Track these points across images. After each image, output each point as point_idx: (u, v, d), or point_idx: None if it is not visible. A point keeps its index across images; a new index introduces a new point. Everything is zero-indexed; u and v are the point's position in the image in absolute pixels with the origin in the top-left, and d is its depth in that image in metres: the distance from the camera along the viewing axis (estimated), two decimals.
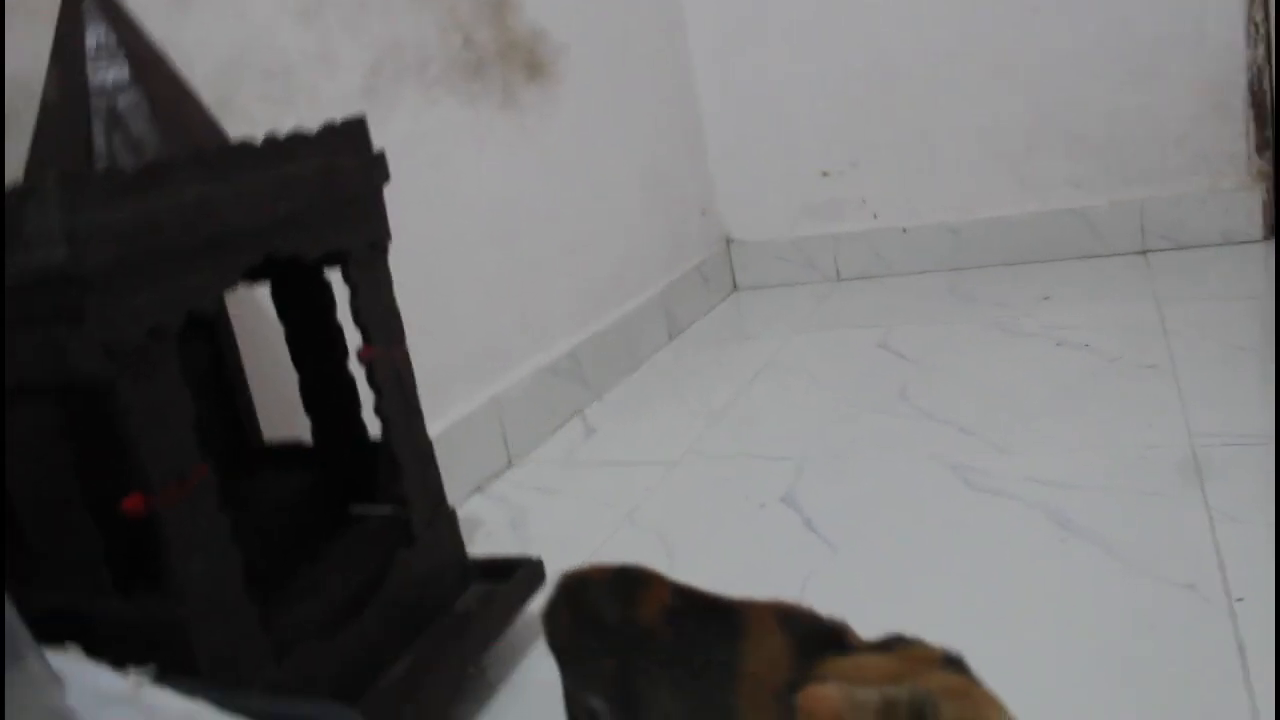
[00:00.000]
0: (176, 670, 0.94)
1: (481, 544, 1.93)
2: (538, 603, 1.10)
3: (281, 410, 1.59)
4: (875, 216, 3.44)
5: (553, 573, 1.09)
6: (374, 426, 1.46)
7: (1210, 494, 1.72)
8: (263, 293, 1.63)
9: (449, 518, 1.51)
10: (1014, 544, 1.67)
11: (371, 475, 1.51)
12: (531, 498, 2.14)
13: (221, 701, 0.93)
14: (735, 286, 3.65)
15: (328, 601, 1.32)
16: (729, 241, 3.60)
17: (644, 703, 0.97)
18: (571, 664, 1.06)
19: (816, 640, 0.89)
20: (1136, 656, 1.34)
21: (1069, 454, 1.94)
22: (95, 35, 1.21)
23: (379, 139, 1.44)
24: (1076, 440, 2.01)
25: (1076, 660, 1.34)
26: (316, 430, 1.54)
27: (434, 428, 1.49)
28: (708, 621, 0.95)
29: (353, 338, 1.45)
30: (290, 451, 1.57)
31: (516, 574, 1.52)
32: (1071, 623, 1.42)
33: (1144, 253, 3.19)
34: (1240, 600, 1.42)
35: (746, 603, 0.96)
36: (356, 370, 1.47)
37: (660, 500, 2.04)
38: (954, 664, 0.79)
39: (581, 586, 1.06)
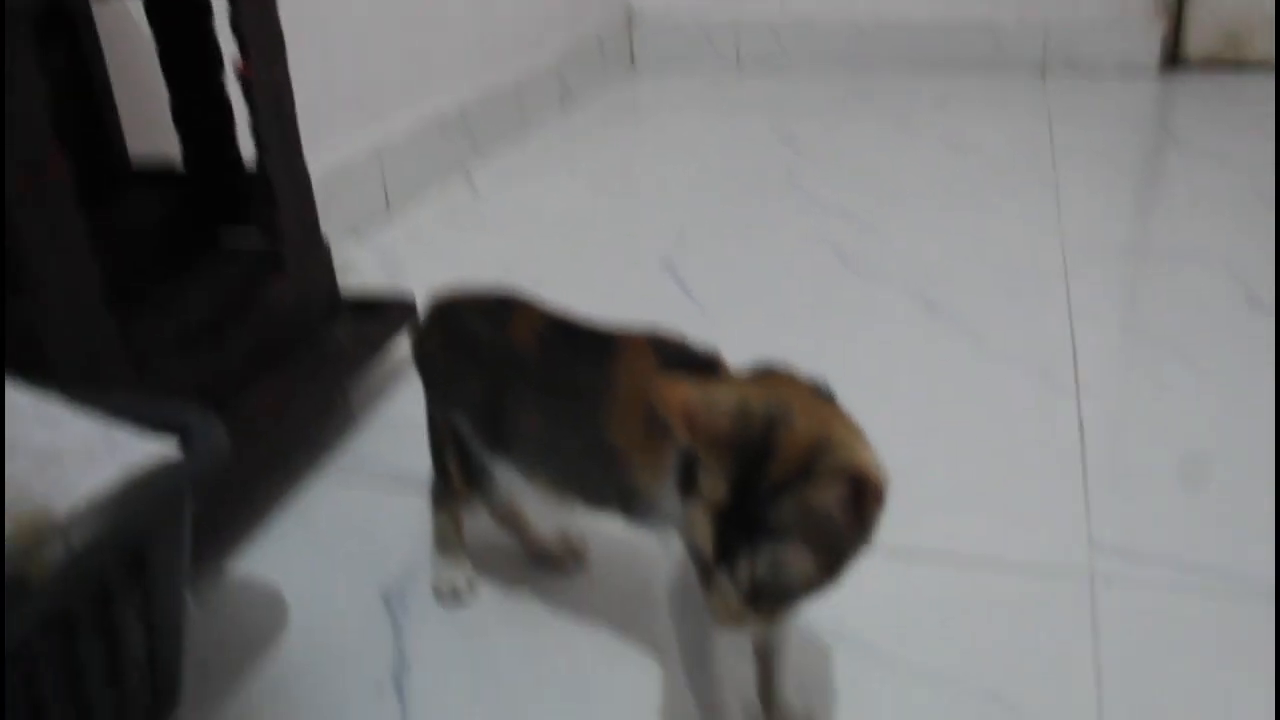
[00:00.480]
0: (32, 375, 0.92)
1: (355, 286, 1.90)
2: (407, 342, 1.09)
3: (149, 129, 1.52)
4: (782, 4, 3.37)
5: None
6: (248, 151, 1.41)
7: (1073, 294, 1.78)
8: None
9: (322, 250, 1.48)
10: (883, 322, 1.72)
11: (243, 201, 1.46)
12: (408, 246, 2.11)
13: (81, 399, 0.92)
14: (634, 65, 3.56)
15: (191, 319, 1.29)
16: (630, 15, 3.49)
17: (510, 423, 0.98)
18: (438, 384, 1.06)
19: (688, 367, 0.89)
20: (987, 431, 1.40)
21: (946, 246, 1.98)
22: None
23: None
24: (955, 234, 2.05)
25: (932, 431, 1.40)
26: (187, 151, 1.47)
27: (312, 169, 1.44)
28: (580, 345, 0.96)
29: (230, 55, 1.38)
30: (158, 173, 1.50)
31: (388, 309, 1.50)
32: (931, 396, 1.48)
33: (1042, 70, 3.21)
34: (1086, 388, 1.49)
35: (619, 329, 0.96)
36: (233, 90, 1.40)
37: (540, 259, 2.03)
38: (821, 393, 0.81)
39: (454, 307, 1.05)
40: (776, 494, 0.70)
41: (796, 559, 0.71)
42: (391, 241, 2.14)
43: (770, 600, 0.73)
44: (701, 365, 0.90)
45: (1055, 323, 1.69)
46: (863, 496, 0.71)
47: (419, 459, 1.17)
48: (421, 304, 1.09)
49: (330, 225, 1.54)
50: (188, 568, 0.93)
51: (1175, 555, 1.15)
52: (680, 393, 0.73)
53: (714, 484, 0.73)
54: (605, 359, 0.93)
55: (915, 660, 1.02)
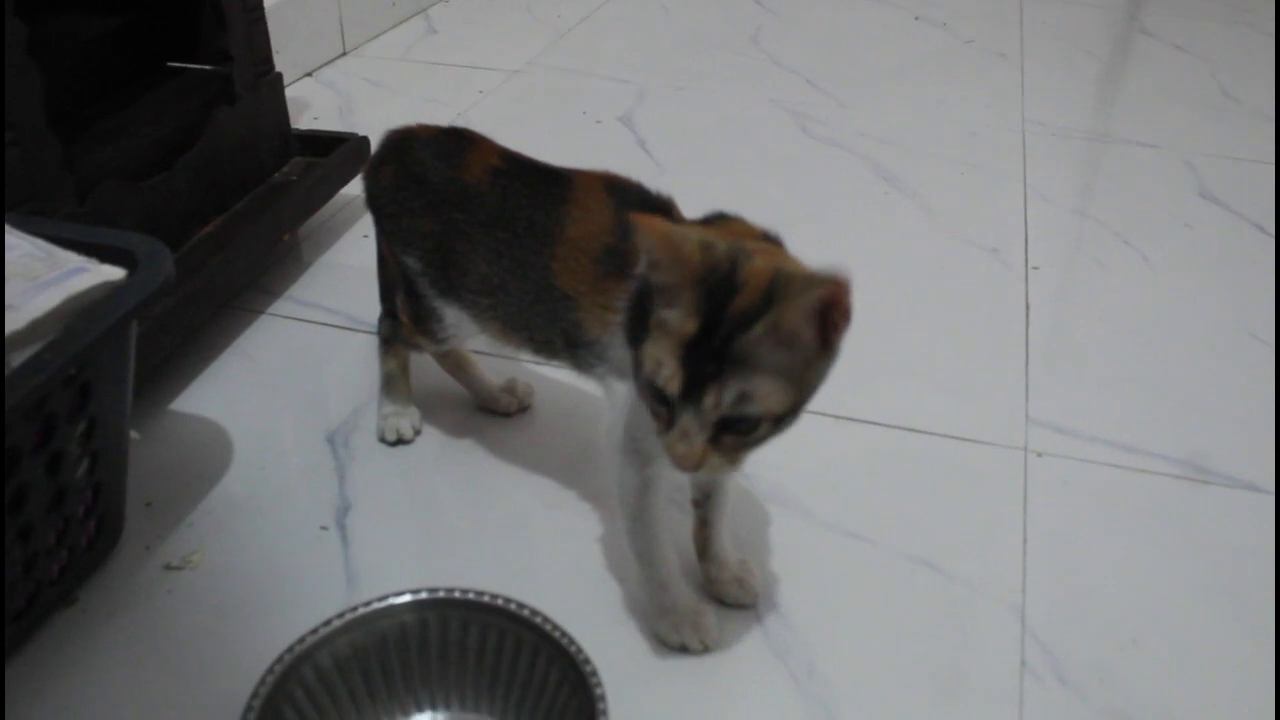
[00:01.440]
0: None
1: (308, 127, 1.86)
2: (360, 185, 1.08)
3: None
4: None
5: None
6: None
7: (1029, 173, 1.78)
8: None
9: (273, 82, 1.44)
10: (839, 190, 1.71)
11: (193, 27, 1.41)
12: (363, 88, 2.05)
13: (24, 228, 0.90)
14: None
15: (136, 147, 1.26)
16: None
17: (461, 263, 0.97)
18: (389, 221, 1.03)
19: (642, 210, 0.87)
20: (934, 304, 1.42)
21: (907, 118, 1.97)
22: None
23: None
24: (917, 108, 2.03)
25: (879, 301, 1.40)
26: None
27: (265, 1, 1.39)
28: (534, 186, 0.94)
29: None
30: None
31: (341, 148, 1.47)
32: (881, 267, 1.48)
33: None
34: (1036, 268, 1.50)
35: (575, 171, 0.95)
36: None
37: (496, 104, 1.99)
38: (772, 240, 0.80)
39: (407, 143, 1.02)
40: (744, 324, 0.69)
41: (765, 387, 0.71)
42: (347, 81, 2.08)
43: (735, 435, 0.73)
44: (656, 209, 0.89)
45: (1010, 202, 1.69)
46: (831, 310, 0.70)
47: (368, 303, 1.16)
48: (375, 144, 1.07)
49: (284, 64, 1.50)
50: (131, 398, 0.93)
51: (1108, 434, 1.19)
52: (656, 222, 0.72)
53: (682, 316, 0.71)
54: (559, 199, 0.92)
55: (849, 523, 1.05)
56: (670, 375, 0.72)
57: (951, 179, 1.76)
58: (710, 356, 0.70)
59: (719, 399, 0.71)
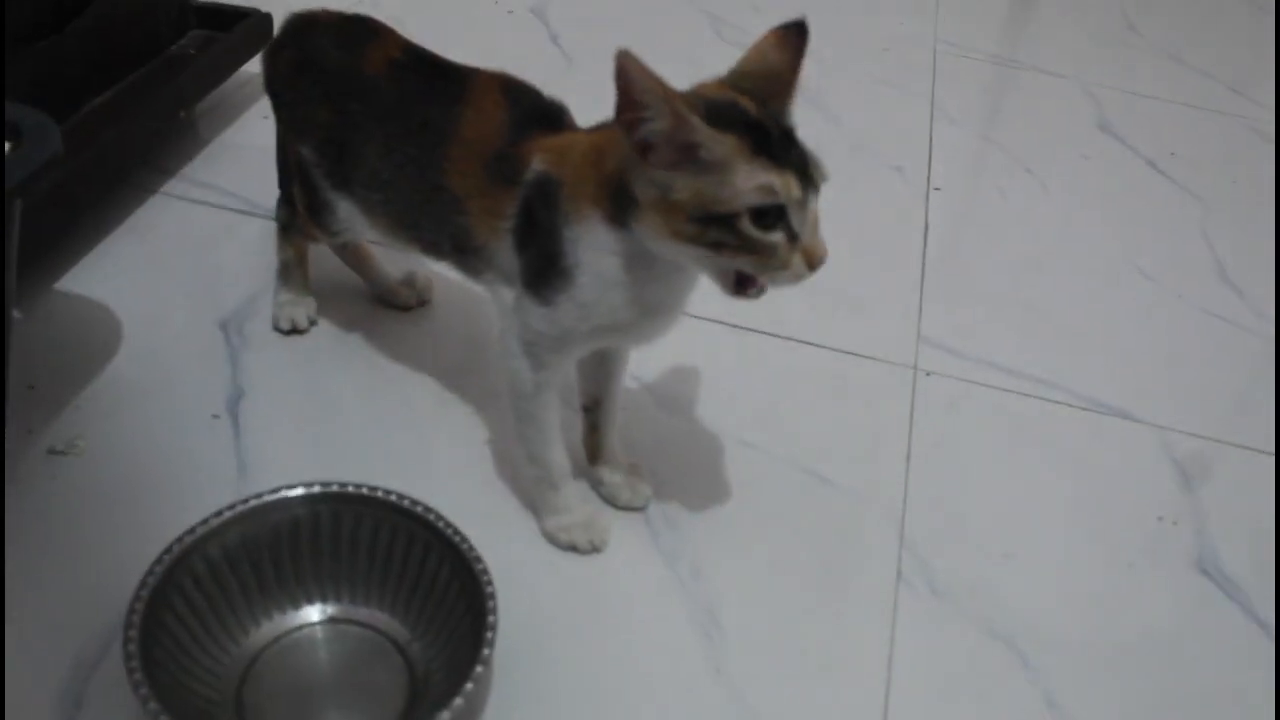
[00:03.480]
0: None
1: None
2: (260, 63, 1.04)
3: None
4: None
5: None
6: None
7: (937, 93, 1.80)
8: None
9: None
10: None
11: None
12: None
13: None
14: None
15: (24, 8, 1.19)
16: None
17: (354, 156, 0.94)
18: (287, 108, 1.00)
19: (535, 116, 0.88)
20: (835, 218, 1.42)
21: (820, 28, 1.92)
22: None
23: None
24: (831, 17, 2.02)
25: None
26: None
27: None
28: (432, 81, 0.92)
29: None
30: None
31: (242, 24, 1.41)
32: None
33: None
34: (937, 189, 1.53)
35: (474, 70, 0.93)
36: None
37: None
38: None
39: (309, 27, 0.98)
40: (775, 113, 0.76)
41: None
42: None
43: (811, 175, 0.75)
44: (549, 116, 0.89)
45: (917, 121, 1.71)
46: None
47: (265, 187, 1.14)
48: (278, 21, 1.03)
49: None
50: (13, 279, 0.90)
51: (995, 358, 1.22)
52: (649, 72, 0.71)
53: (729, 139, 0.72)
54: (455, 98, 0.90)
55: (740, 431, 1.07)
56: (784, 183, 0.72)
57: (861, 93, 1.77)
58: (786, 150, 0.74)
59: (819, 168, 0.75)
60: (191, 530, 0.79)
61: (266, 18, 1.43)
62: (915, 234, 1.43)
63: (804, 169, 0.74)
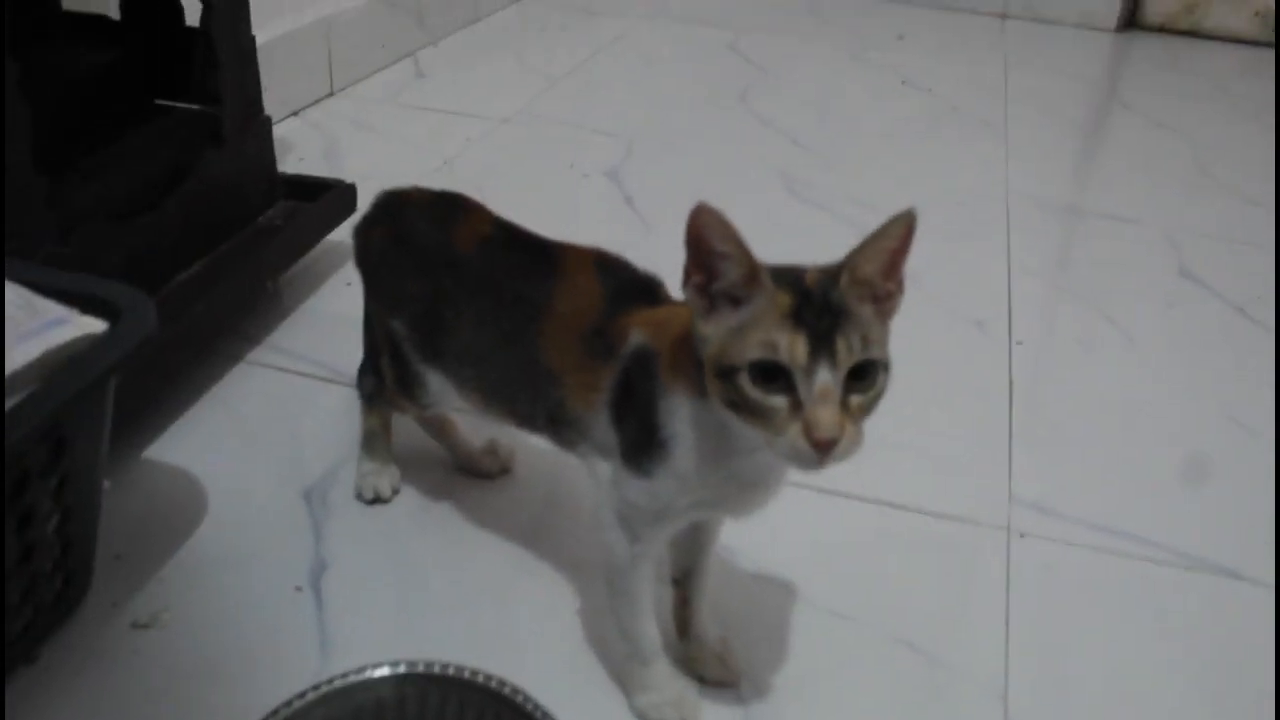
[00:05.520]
0: None
1: (293, 169, 1.83)
2: (345, 230, 1.06)
3: None
4: None
5: (365, 202, 1.04)
6: (191, 13, 1.34)
7: (1013, 245, 1.79)
8: None
9: (263, 125, 1.42)
10: (826, 254, 1.70)
11: (183, 65, 1.40)
12: (350, 131, 2.04)
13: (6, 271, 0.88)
14: None
15: (122, 186, 1.24)
16: None
17: (447, 331, 0.95)
18: (378, 283, 1.02)
19: (630, 290, 0.88)
20: (918, 375, 1.39)
21: (893, 184, 1.98)
22: None
23: None
24: (903, 173, 2.05)
25: None
26: (126, 4, 1.40)
27: (256, 36, 1.37)
28: (524, 257, 0.93)
29: None
30: (93, 23, 1.42)
31: (327, 195, 1.46)
32: None
33: (1003, 16, 3.19)
34: (1020, 344, 1.51)
35: (565, 245, 0.94)
36: None
37: (483, 153, 1.98)
38: None
39: (401, 205, 1.01)
40: (829, 283, 0.73)
41: (873, 329, 0.72)
42: (333, 123, 2.07)
43: (859, 394, 0.72)
44: (644, 287, 0.89)
45: (995, 273, 1.70)
46: (900, 247, 0.75)
47: (348, 355, 1.15)
48: (362, 191, 1.05)
49: (270, 102, 1.48)
50: (107, 452, 0.90)
51: (1091, 517, 1.18)
52: (716, 212, 0.73)
53: (769, 294, 0.72)
54: (548, 273, 0.91)
55: (832, 601, 1.04)
56: (790, 342, 0.70)
57: (937, 248, 1.76)
58: (819, 316, 0.71)
59: (850, 344, 0.70)
60: (275, 711, 0.77)
61: (351, 188, 1.47)
62: (1000, 389, 1.40)
63: (826, 337, 0.70)
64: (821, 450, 0.70)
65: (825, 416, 0.69)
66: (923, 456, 1.25)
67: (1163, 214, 1.96)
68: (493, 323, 0.92)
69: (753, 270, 0.72)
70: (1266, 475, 1.28)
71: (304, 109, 2.11)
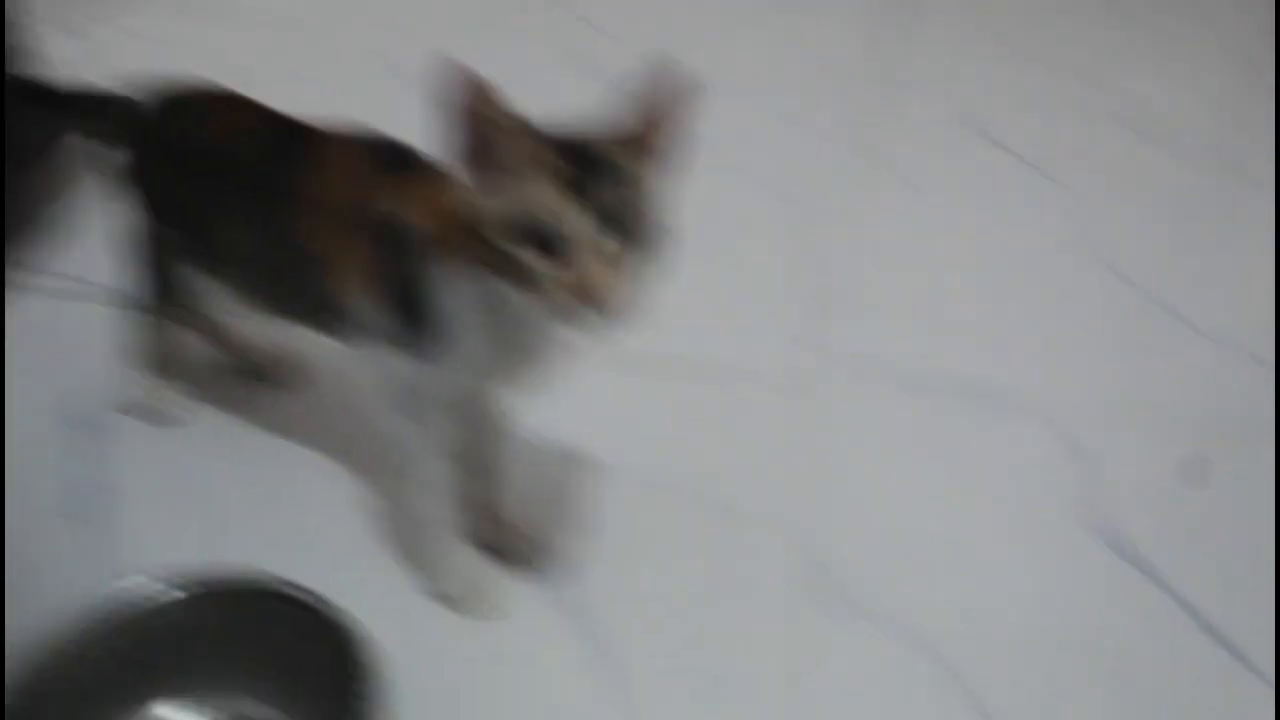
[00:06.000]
0: None
1: None
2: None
3: None
4: None
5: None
6: None
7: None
8: None
9: None
10: None
11: None
12: (125, 44, 1.88)
13: None
14: None
15: None
16: None
17: (207, 228, 0.90)
18: (135, 183, 0.94)
19: (388, 162, 0.83)
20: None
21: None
22: None
23: None
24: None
25: None
26: None
27: None
28: (274, 139, 0.87)
29: None
30: None
31: (83, 101, 1.33)
32: None
33: None
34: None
35: (315, 124, 0.88)
36: None
37: (263, 57, 1.85)
38: None
39: (155, 99, 0.94)
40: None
41: (630, 166, 0.70)
42: (106, 35, 1.91)
43: (627, 241, 0.69)
44: (401, 157, 0.84)
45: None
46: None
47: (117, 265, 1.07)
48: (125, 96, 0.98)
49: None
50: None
51: (869, 352, 1.21)
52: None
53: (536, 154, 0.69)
54: (299, 152, 0.86)
55: (632, 467, 1.04)
56: (549, 203, 0.68)
57: None
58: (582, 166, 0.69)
59: (602, 193, 0.68)
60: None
61: (112, 92, 1.36)
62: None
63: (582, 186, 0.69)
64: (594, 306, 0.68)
65: (592, 265, 0.68)
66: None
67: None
68: (252, 214, 0.87)
69: (505, 116, 0.69)
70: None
71: (74, 23, 1.94)
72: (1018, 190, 1.63)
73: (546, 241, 0.68)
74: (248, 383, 1.12)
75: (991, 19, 2.25)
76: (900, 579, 0.96)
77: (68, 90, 1.34)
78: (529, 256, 0.69)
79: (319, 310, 0.87)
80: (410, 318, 0.79)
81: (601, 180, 0.69)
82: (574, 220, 0.68)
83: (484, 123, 0.69)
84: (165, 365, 1.06)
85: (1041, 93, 1.96)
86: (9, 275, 1.23)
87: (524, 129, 0.69)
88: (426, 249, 0.77)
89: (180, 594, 0.78)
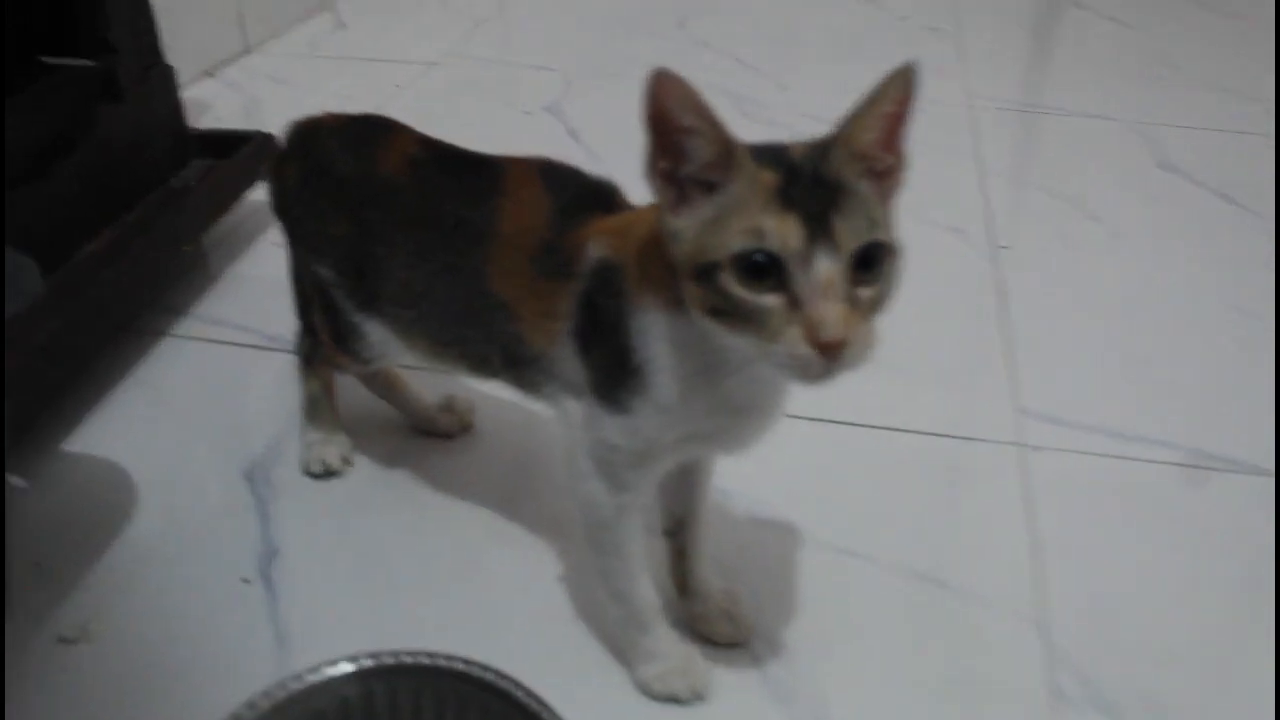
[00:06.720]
0: None
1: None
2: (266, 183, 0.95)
3: None
4: None
5: None
6: None
7: (982, 150, 1.70)
8: None
9: (164, 74, 1.28)
10: None
11: (66, 16, 1.25)
12: (270, 87, 1.90)
13: None
14: None
15: (5, 150, 1.11)
16: None
17: (380, 270, 0.83)
18: (298, 226, 0.90)
19: (583, 200, 0.76)
20: (905, 288, 1.31)
21: (848, 97, 1.86)
22: None
23: None
24: (857, 86, 1.93)
25: None
26: None
27: None
28: (460, 176, 0.81)
29: None
30: None
31: (244, 148, 1.33)
32: None
33: None
34: (1004, 248, 1.41)
35: (505, 158, 0.82)
36: None
37: (414, 99, 1.85)
38: None
39: (313, 135, 0.89)
40: (820, 154, 0.61)
41: (875, 209, 0.61)
42: (250, 81, 1.93)
43: (868, 285, 0.60)
44: (598, 194, 0.77)
45: (965, 179, 1.60)
46: (901, 107, 0.64)
47: (283, 319, 1.03)
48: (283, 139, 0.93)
49: (179, 63, 1.34)
50: (3, 441, 0.78)
51: (1104, 423, 1.09)
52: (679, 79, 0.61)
53: (751, 173, 0.60)
54: (488, 190, 0.79)
55: (841, 539, 0.94)
56: (780, 227, 0.58)
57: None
58: (812, 195, 0.59)
59: (850, 225, 0.59)
60: None
61: (268, 138, 1.34)
62: (989, 297, 1.30)
63: (822, 217, 0.58)
64: (828, 355, 0.58)
65: (830, 313, 0.58)
66: (919, 374, 1.15)
67: (1131, 108, 1.88)
68: (431, 255, 0.80)
69: (727, 145, 0.61)
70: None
71: (219, 68, 1.96)
72: (1219, 228, 1.50)
73: (766, 275, 0.59)
74: (419, 437, 1.05)
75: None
76: (1150, 675, 0.83)
77: (221, 132, 1.33)
78: (744, 293, 0.59)
79: (506, 359, 0.79)
80: (609, 365, 0.70)
81: (832, 199, 0.59)
82: (799, 249, 0.58)
83: (687, 132, 0.61)
84: (330, 415, 1.00)
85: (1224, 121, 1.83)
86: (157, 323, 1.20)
87: (734, 142, 0.61)
88: (627, 288, 0.69)
89: (350, 668, 0.70)
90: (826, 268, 0.58)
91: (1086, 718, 0.79)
